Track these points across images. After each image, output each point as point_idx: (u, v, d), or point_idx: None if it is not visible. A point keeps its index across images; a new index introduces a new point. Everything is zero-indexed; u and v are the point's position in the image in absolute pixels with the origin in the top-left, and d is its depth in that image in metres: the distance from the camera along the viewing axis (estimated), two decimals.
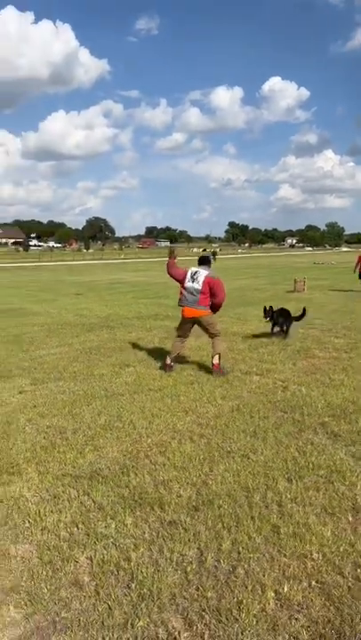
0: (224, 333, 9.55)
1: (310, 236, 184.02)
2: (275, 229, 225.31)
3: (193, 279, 6.58)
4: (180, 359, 7.21)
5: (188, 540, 2.87)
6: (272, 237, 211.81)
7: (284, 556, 2.72)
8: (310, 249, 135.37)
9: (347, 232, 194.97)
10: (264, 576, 2.55)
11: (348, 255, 68.52)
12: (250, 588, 2.47)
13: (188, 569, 2.62)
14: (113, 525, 3.05)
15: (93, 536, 2.94)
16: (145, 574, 2.58)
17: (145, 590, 2.46)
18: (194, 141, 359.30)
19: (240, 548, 2.78)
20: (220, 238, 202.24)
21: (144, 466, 3.87)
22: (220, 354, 6.58)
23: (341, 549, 2.77)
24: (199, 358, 7.44)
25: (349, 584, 2.50)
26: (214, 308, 6.71)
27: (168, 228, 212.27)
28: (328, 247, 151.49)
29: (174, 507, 3.24)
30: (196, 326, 6.74)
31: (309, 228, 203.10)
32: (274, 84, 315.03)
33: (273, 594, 2.43)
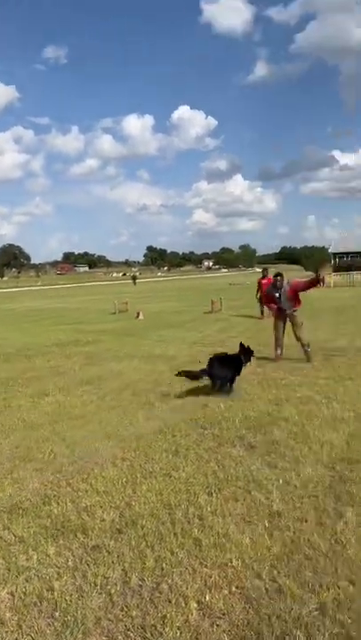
0: (147, 356, 9.66)
1: (225, 258, 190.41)
2: (192, 252, 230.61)
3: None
4: (101, 384, 7.18)
5: (112, 563, 2.88)
6: (190, 260, 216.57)
7: (206, 566, 2.81)
8: (226, 270, 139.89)
9: (259, 253, 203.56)
10: (187, 588, 2.63)
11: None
12: (173, 601, 2.53)
13: (113, 591, 2.64)
14: (35, 557, 2.99)
15: (15, 570, 2.87)
16: (69, 601, 2.56)
17: (69, 617, 2.45)
18: (108, 168, 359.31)
19: (163, 565, 2.84)
20: (139, 262, 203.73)
21: (66, 494, 3.82)
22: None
23: (259, 554, 2.91)
24: (121, 382, 7.47)
25: (267, 586, 2.63)
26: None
27: (86, 254, 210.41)
28: (242, 268, 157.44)
29: (97, 531, 3.24)
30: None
31: (224, 250, 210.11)
32: (183, 112, 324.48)
33: (196, 604, 2.51)
